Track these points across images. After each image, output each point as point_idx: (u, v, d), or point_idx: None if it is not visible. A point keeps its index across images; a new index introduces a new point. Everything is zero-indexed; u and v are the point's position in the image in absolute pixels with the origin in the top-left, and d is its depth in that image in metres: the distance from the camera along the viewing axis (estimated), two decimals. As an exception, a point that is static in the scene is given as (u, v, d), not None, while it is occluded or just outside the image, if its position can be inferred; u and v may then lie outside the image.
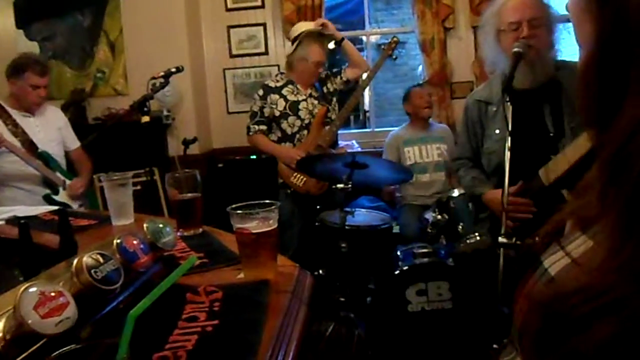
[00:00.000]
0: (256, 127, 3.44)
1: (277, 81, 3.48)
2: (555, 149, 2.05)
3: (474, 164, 2.45)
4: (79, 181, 3.22)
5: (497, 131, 2.24)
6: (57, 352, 0.59)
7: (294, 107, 3.38)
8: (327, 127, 3.41)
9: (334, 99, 3.53)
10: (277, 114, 3.39)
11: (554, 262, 0.59)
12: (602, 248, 0.49)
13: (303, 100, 3.41)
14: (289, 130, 3.40)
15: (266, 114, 3.42)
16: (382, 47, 3.61)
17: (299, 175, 3.36)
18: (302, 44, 3.38)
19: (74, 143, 3.36)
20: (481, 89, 2.43)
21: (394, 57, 3.55)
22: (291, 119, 3.38)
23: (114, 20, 4.48)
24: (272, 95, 3.40)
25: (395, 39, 3.47)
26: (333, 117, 3.46)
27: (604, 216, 0.52)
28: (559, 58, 2.18)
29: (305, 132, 3.39)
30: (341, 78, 3.57)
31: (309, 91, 3.46)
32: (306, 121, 3.39)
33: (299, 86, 3.44)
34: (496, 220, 2.27)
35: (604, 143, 0.52)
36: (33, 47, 4.52)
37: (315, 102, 3.44)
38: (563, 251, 0.59)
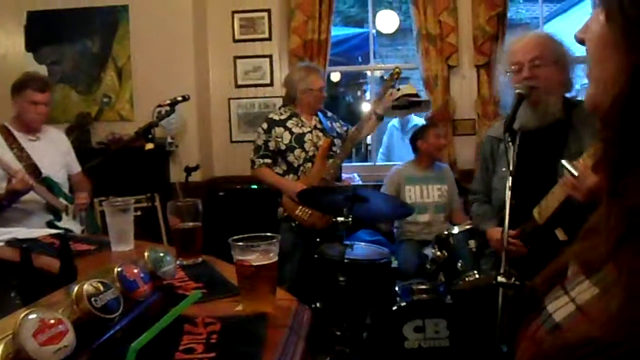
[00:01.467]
0: (261, 160, 3.45)
1: (281, 114, 3.50)
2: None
3: (487, 199, 2.47)
4: (82, 196, 3.25)
5: (503, 169, 2.25)
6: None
7: (299, 139, 3.40)
8: (330, 160, 3.43)
9: (339, 136, 3.56)
10: (283, 147, 3.40)
11: (559, 308, 0.59)
12: (610, 298, 0.48)
13: (308, 132, 3.43)
14: (295, 163, 3.41)
15: (271, 148, 3.43)
16: (385, 78, 3.62)
17: (304, 209, 3.35)
18: (301, 77, 3.45)
19: (76, 167, 3.38)
20: (497, 126, 2.46)
21: (396, 88, 3.58)
22: (297, 151, 3.39)
23: (122, 47, 4.54)
24: (277, 129, 3.42)
25: (397, 69, 3.49)
26: (337, 150, 3.48)
27: (610, 262, 0.51)
28: (573, 96, 2.19)
29: (310, 164, 3.40)
30: (343, 131, 3.61)
31: (313, 123, 3.49)
32: (310, 153, 3.40)
33: (303, 118, 3.47)
34: (499, 257, 2.27)
35: (625, 191, 0.51)
36: (41, 70, 4.56)
37: (320, 134, 3.46)
38: (567, 296, 0.58)
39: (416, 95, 3.81)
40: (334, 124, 3.58)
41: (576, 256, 0.62)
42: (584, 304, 0.55)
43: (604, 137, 0.57)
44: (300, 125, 3.45)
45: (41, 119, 3.13)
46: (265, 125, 3.46)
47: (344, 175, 4.59)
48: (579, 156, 2.10)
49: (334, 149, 3.47)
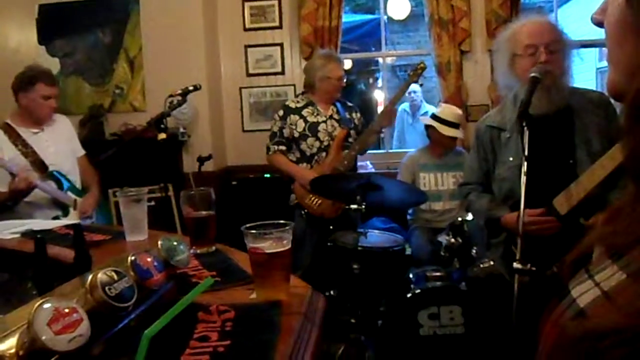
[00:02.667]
0: (275, 147, 3.46)
1: (298, 102, 3.51)
2: (571, 177, 2.02)
3: (484, 189, 2.40)
4: (89, 198, 3.19)
5: (511, 158, 2.21)
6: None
7: (313, 128, 3.40)
8: (345, 151, 3.41)
9: (355, 128, 3.54)
10: (297, 134, 3.41)
11: (583, 293, 0.57)
12: (638, 284, 0.47)
13: (323, 122, 3.43)
14: (307, 152, 3.42)
15: (285, 135, 3.44)
16: (408, 72, 3.58)
17: (313, 197, 3.36)
18: (320, 65, 3.43)
19: (80, 151, 3.35)
20: (493, 115, 2.39)
21: (420, 83, 3.60)
22: (310, 140, 3.40)
23: (134, 38, 4.55)
24: (292, 116, 3.43)
25: (422, 64, 3.48)
26: (352, 141, 3.47)
27: (637, 247, 0.50)
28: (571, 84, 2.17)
29: (324, 153, 3.41)
30: (360, 123, 3.59)
31: (329, 112, 3.48)
32: (325, 143, 3.41)
33: (319, 107, 3.46)
34: (509, 246, 2.25)
35: None
36: (54, 63, 4.59)
37: (336, 124, 3.45)
38: (592, 281, 0.57)
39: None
40: (353, 114, 3.56)
41: (601, 239, 0.60)
42: (610, 290, 0.53)
43: (630, 121, 0.55)
44: (315, 114, 3.44)
45: (52, 113, 3.13)
46: (281, 112, 3.48)
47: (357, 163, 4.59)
48: (588, 142, 2.07)
49: (350, 140, 3.46)
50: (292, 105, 3.49)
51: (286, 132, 3.44)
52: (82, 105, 4.60)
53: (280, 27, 4.66)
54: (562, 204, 2.02)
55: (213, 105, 4.57)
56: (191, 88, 2.78)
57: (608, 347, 0.45)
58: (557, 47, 2.06)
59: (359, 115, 3.61)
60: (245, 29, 4.69)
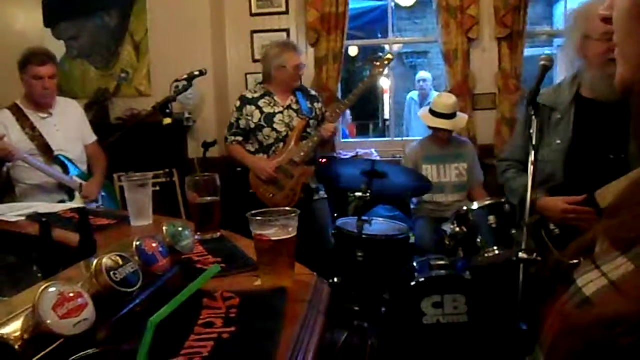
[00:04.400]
0: (232, 138, 3.45)
1: (255, 92, 3.46)
2: (620, 171, 1.94)
3: (524, 167, 2.26)
4: (92, 185, 3.18)
5: (558, 141, 2.12)
6: (75, 356, 0.58)
7: (269, 119, 3.36)
8: (303, 142, 3.36)
9: (316, 118, 3.46)
10: (253, 125, 3.38)
11: (589, 282, 0.57)
12: None
13: (279, 112, 3.38)
14: (264, 142, 3.39)
15: (242, 126, 3.42)
16: (375, 62, 3.45)
17: (268, 188, 3.35)
18: (276, 54, 3.37)
19: (91, 137, 3.34)
20: (548, 93, 2.23)
21: (384, 74, 3.50)
22: (266, 130, 3.36)
23: (139, 22, 4.53)
24: (248, 107, 3.40)
25: (389, 56, 3.40)
26: (312, 132, 3.42)
27: None
28: None
29: (282, 144, 3.37)
30: (321, 113, 3.51)
31: (287, 102, 3.42)
32: (283, 133, 3.36)
33: (277, 97, 3.41)
34: (539, 229, 2.16)
35: None
36: (59, 46, 4.58)
37: (294, 114, 3.40)
38: (599, 271, 0.56)
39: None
40: (315, 104, 3.48)
41: (607, 232, 0.60)
42: (617, 280, 0.53)
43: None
44: (272, 104, 3.40)
45: (49, 94, 3.07)
46: (237, 103, 3.45)
47: (361, 151, 4.58)
48: None
49: (309, 130, 3.41)
50: (249, 95, 3.45)
51: (242, 123, 3.41)
52: (87, 89, 4.60)
53: (287, 12, 4.63)
54: (605, 198, 1.94)
55: (218, 90, 4.55)
56: (197, 73, 2.76)
57: (618, 335, 0.44)
58: None
59: (320, 105, 3.53)
60: (252, 14, 4.66)
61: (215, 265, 0.85)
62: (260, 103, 3.39)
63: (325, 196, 3.51)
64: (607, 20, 0.60)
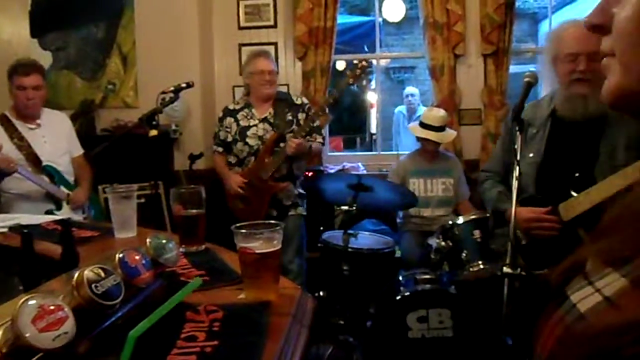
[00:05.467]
0: (214, 147, 3.44)
1: (237, 104, 3.43)
2: (584, 185, 2.00)
3: (501, 179, 2.42)
4: (80, 192, 3.17)
5: (531, 155, 2.19)
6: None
7: (242, 133, 3.31)
8: (272, 157, 3.25)
9: (295, 127, 3.30)
10: (230, 138, 3.35)
11: (583, 298, 0.57)
12: None
13: (254, 125, 3.31)
14: (239, 155, 3.34)
15: (222, 137, 3.39)
16: (347, 72, 3.33)
17: (236, 202, 3.32)
18: (246, 63, 3.39)
19: (78, 150, 3.33)
20: (526, 108, 2.31)
21: (363, 83, 3.44)
22: (239, 144, 3.31)
23: (127, 33, 4.52)
24: (227, 119, 3.37)
25: (364, 63, 3.30)
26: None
27: None
28: None
29: (253, 158, 3.30)
30: (309, 124, 3.33)
31: (264, 115, 3.33)
32: (255, 147, 3.28)
33: (254, 110, 3.35)
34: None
35: None
36: (46, 57, 4.56)
37: (269, 127, 3.29)
38: (592, 287, 0.56)
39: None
40: (299, 115, 3.32)
41: (599, 253, 0.60)
42: (612, 295, 0.53)
43: None
44: (249, 117, 3.33)
45: (34, 105, 3.05)
46: (220, 114, 3.44)
47: (347, 164, 4.59)
48: (612, 153, 2.04)
49: (282, 144, 3.25)
50: (232, 107, 3.42)
51: (222, 134, 3.39)
52: (73, 100, 4.57)
53: (275, 26, 4.65)
54: (567, 210, 2.01)
55: (206, 103, 4.55)
56: (184, 85, 2.76)
57: (628, 344, 0.44)
58: (599, 57, 2.04)
59: (304, 115, 3.33)
60: (240, 28, 4.67)
61: (197, 279, 0.85)
62: (239, 115, 3.35)
63: (304, 213, 3.39)
64: (595, 28, 0.59)
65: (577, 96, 2.03)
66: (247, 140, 3.29)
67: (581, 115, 2.07)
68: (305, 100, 3.48)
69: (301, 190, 3.40)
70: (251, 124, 3.31)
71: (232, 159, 3.39)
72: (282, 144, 3.24)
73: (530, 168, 2.14)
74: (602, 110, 2.09)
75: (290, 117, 3.32)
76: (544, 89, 2.28)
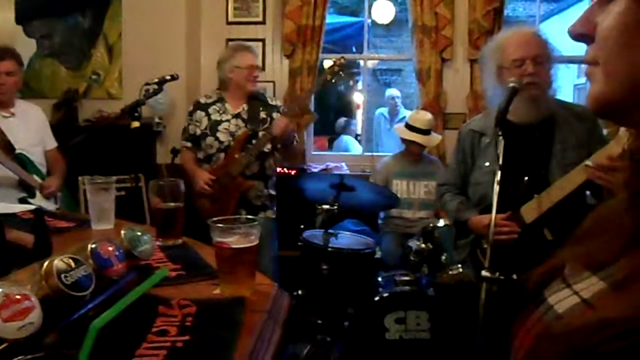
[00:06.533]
0: (182, 142, 3.32)
1: (209, 97, 3.30)
2: (543, 187, 2.05)
3: (460, 191, 2.45)
4: (52, 179, 3.13)
5: (487, 164, 2.24)
6: None
7: (213, 127, 3.17)
8: (242, 154, 3.12)
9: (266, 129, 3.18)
10: (199, 132, 3.21)
11: (561, 300, 0.58)
12: (624, 292, 0.48)
13: (226, 120, 3.18)
14: (207, 151, 3.19)
15: (191, 132, 3.26)
16: (325, 69, 3.22)
17: (201, 200, 3.16)
18: (229, 55, 3.22)
19: (52, 143, 3.29)
20: (478, 119, 2.44)
21: (333, 80, 3.27)
22: (209, 139, 3.17)
23: (114, 24, 4.47)
24: (198, 112, 3.24)
25: (342, 60, 3.20)
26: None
27: (622, 259, 0.51)
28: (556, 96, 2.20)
29: (223, 154, 3.16)
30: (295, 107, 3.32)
31: (237, 110, 3.21)
32: (225, 143, 3.15)
33: (228, 104, 3.22)
34: (474, 248, 2.28)
35: None
36: (30, 44, 4.50)
37: (242, 123, 3.17)
38: (570, 289, 0.57)
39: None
40: (273, 114, 3.22)
41: (577, 257, 0.61)
42: (590, 298, 0.54)
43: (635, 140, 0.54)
44: (221, 112, 3.21)
45: (6, 90, 3.00)
46: (191, 107, 3.31)
47: (331, 164, 4.58)
48: (563, 153, 2.11)
49: (254, 142, 3.13)
50: (202, 100, 3.29)
51: (192, 128, 3.24)
52: (56, 89, 4.51)
53: (263, 22, 4.62)
54: (529, 213, 2.07)
55: (190, 97, 4.49)
56: (168, 77, 2.74)
57: (604, 341, 0.44)
58: (543, 59, 2.09)
59: (279, 115, 3.20)
60: (228, 22, 4.64)
61: (163, 269, 0.83)
62: (211, 109, 3.22)
63: (273, 216, 3.29)
64: (580, 37, 0.59)
65: (529, 100, 2.07)
66: (218, 135, 3.16)
67: (530, 117, 2.13)
68: (279, 103, 3.41)
69: (272, 192, 3.29)
70: (223, 119, 3.19)
71: (201, 155, 3.24)
72: (254, 141, 3.14)
73: (488, 176, 2.17)
74: (550, 112, 2.15)
75: (264, 116, 3.22)
76: (491, 103, 2.32)
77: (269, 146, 3.16)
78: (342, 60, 3.20)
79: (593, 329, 0.46)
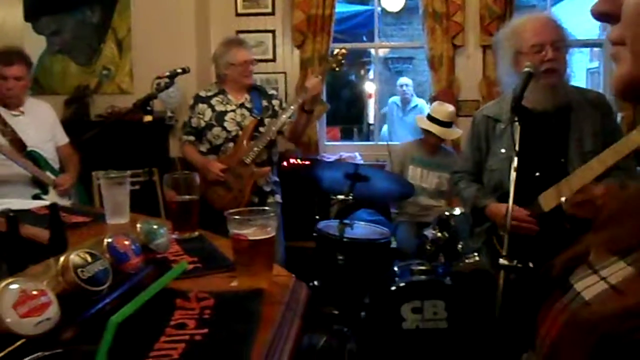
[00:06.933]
0: (185, 137, 3.36)
1: (209, 90, 3.36)
2: (561, 175, 2.01)
3: (474, 178, 2.42)
4: (66, 176, 3.14)
5: (503, 150, 2.21)
6: (30, 357, 0.55)
7: (219, 117, 3.24)
8: (253, 142, 3.20)
9: (274, 116, 3.29)
10: (203, 124, 3.26)
11: (588, 286, 0.57)
12: None
13: (231, 110, 3.26)
14: (214, 142, 3.26)
15: (194, 125, 3.30)
16: (329, 57, 3.31)
17: (215, 189, 3.21)
18: (223, 51, 3.27)
19: (63, 139, 3.30)
20: (491, 105, 2.40)
21: (337, 69, 3.30)
22: (216, 129, 3.23)
23: (123, 18, 4.47)
24: (200, 105, 3.29)
25: (343, 50, 3.24)
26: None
27: None
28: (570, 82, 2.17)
29: (232, 144, 3.23)
30: (280, 109, 3.33)
31: (241, 101, 3.30)
32: (233, 133, 3.23)
33: (230, 96, 3.30)
34: (491, 236, 2.26)
35: None
36: (40, 41, 4.51)
37: (247, 113, 3.26)
38: (597, 276, 0.56)
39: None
40: (272, 101, 3.35)
41: (603, 243, 0.59)
42: (618, 283, 0.52)
43: None
44: (225, 102, 3.28)
45: (14, 94, 3.01)
46: (191, 102, 3.36)
47: (344, 154, 4.56)
48: (581, 141, 2.07)
49: (262, 129, 3.24)
50: (203, 94, 3.34)
51: (194, 121, 3.30)
52: (67, 85, 4.52)
53: (272, 13, 4.60)
54: (547, 201, 2.03)
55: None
56: (179, 70, 2.73)
57: (634, 328, 0.43)
58: (561, 45, 2.06)
59: (278, 101, 3.37)
60: (237, 14, 4.62)
61: (183, 263, 0.82)
62: (213, 101, 3.29)
63: (280, 201, 3.38)
64: (603, 16, 0.57)
65: (548, 87, 2.03)
66: (225, 125, 3.23)
67: (548, 105, 2.10)
68: (276, 92, 3.53)
69: (276, 178, 3.39)
70: (228, 109, 3.26)
71: (204, 147, 3.30)
72: (261, 129, 3.23)
73: (503, 163, 2.15)
74: (567, 100, 2.11)
75: (265, 104, 3.32)
76: (505, 88, 2.29)
77: (275, 133, 3.23)
78: (343, 51, 3.24)
79: (623, 316, 0.45)
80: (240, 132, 3.22)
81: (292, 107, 3.19)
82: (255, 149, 3.16)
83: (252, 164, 3.17)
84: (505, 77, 2.24)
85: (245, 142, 3.19)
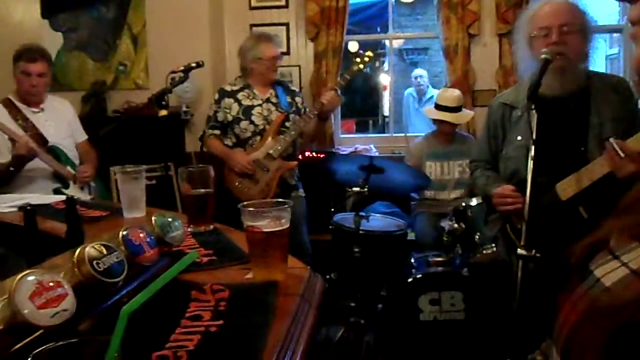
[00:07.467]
0: (210, 131, 3.38)
1: (234, 85, 3.40)
2: (580, 163, 1.98)
3: (491, 166, 2.38)
4: (87, 166, 3.18)
5: (519, 137, 2.17)
6: (44, 346, 0.55)
7: (247, 111, 3.30)
8: (280, 136, 3.27)
9: (297, 112, 3.39)
10: (230, 118, 3.31)
11: (608, 272, 0.56)
12: None
13: (258, 105, 3.32)
14: (241, 135, 3.31)
15: (220, 119, 3.34)
16: (355, 59, 3.35)
17: (243, 182, 3.27)
18: (251, 46, 3.32)
19: (81, 136, 3.33)
20: (508, 93, 2.37)
21: (376, 65, 3.45)
22: (243, 123, 3.29)
23: (137, 14, 4.49)
24: (226, 99, 3.33)
25: (369, 53, 3.33)
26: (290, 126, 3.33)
27: None
28: (590, 68, 2.13)
29: (259, 137, 3.29)
30: (302, 107, 3.43)
31: (267, 95, 3.36)
32: (260, 127, 3.29)
33: (255, 90, 3.35)
34: (505, 223, 2.22)
35: None
36: (57, 38, 4.55)
37: (273, 108, 3.33)
38: (618, 261, 0.55)
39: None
40: (295, 98, 3.43)
41: (624, 228, 0.58)
42: (639, 268, 0.51)
43: None
44: (251, 97, 3.33)
45: (38, 91, 3.05)
46: (216, 96, 3.38)
47: (360, 147, 4.55)
48: (601, 127, 2.04)
49: (287, 124, 3.32)
50: (228, 88, 3.38)
51: (220, 115, 3.33)
52: (84, 81, 4.56)
53: (286, 6, 4.59)
54: (565, 190, 2.00)
55: (216, 84, 4.49)
56: (194, 65, 2.74)
57: None
58: (573, 29, 2.01)
59: (300, 99, 3.47)
60: (251, 8, 4.62)
61: (193, 252, 0.82)
62: (239, 96, 3.33)
63: (303, 194, 3.44)
64: None
65: (557, 71, 2.00)
66: (253, 119, 3.29)
67: (558, 90, 2.06)
68: (297, 89, 3.61)
69: (297, 172, 3.47)
70: (255, 104, 3.32)
71: (229, 141, 3.35)
72: (287, 124, 3.30)
73: (520, 151, 2.11)
74: (582, 84, 2.08)
75: (290, 100, 3.39)
76: (523, 75, 2.26)
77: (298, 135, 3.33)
78: (370, 54, 3.33)
79: None
80: (267, 127, 3.28)
81: (311, 116, 3.29)
82: (283, 143, 3.24)
83: (279, 158, 3.25)
84: (522, 64, 2.21)
85: (272, 136, 3.27)
